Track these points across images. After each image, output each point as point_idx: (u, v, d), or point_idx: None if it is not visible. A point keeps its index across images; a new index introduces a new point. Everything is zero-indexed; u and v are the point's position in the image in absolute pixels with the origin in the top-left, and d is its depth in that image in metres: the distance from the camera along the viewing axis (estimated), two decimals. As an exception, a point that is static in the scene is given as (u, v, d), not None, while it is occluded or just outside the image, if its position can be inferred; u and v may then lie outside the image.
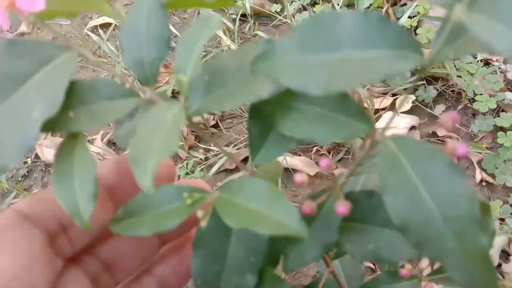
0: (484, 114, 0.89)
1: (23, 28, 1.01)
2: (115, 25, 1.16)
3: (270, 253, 0.24)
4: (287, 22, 1.08)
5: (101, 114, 0.21)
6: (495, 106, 0.88)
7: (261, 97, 0.20)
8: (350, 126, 0.20)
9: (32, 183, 0.97)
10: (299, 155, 0.91)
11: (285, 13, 1.09)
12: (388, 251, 0.23)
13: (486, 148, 0.86)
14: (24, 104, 0.19)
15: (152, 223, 0.21)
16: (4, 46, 0.20)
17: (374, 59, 0.17)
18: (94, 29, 1.17)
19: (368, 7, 1.03)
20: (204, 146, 0.94)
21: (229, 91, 0.21)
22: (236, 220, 0.19)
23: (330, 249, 0.25)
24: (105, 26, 1.17)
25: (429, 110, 0.92)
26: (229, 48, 1.01)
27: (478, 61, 0.95)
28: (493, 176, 0.83)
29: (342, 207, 0.20)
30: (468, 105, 0.92)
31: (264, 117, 0.23)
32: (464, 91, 0.91)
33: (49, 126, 0.20)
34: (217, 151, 0.92)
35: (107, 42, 1.07)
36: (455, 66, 0.94)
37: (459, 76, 0.92)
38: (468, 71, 0.92)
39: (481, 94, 0.90)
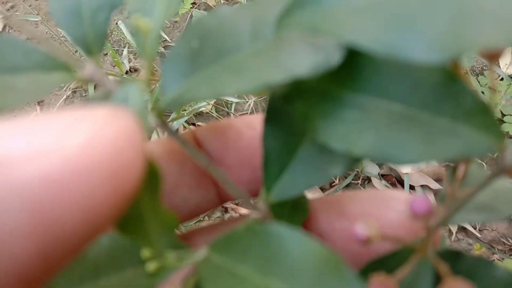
0: (513, 137, 0.80)
1: None
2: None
3: None
4: None
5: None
6: (526, 128, 0.79)
7: (295, 76, 0.11)
8: (460, 136, 0.11)
9: None
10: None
11: None
12: None
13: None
14: None
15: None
16: None
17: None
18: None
19: None
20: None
21: (234, 65, 0.11)
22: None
23: None
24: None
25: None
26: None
27: (501, 78, 0.86)
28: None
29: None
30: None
31: (290, 119, 0.13)
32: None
33: None
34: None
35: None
36: (478, 82, 0.85)
37: (483, 93, 0.83)
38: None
39: (510, 115, 0.80)
